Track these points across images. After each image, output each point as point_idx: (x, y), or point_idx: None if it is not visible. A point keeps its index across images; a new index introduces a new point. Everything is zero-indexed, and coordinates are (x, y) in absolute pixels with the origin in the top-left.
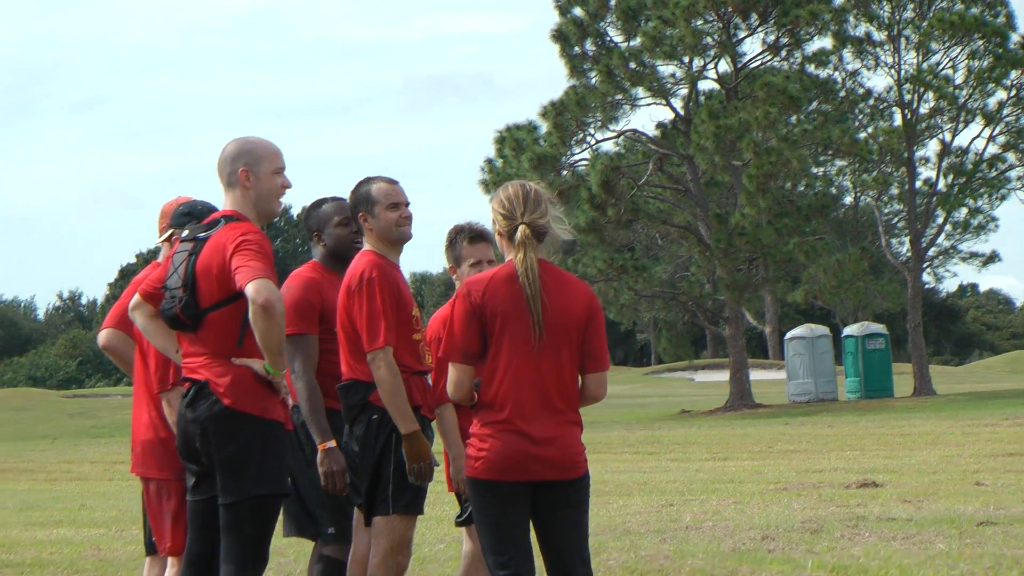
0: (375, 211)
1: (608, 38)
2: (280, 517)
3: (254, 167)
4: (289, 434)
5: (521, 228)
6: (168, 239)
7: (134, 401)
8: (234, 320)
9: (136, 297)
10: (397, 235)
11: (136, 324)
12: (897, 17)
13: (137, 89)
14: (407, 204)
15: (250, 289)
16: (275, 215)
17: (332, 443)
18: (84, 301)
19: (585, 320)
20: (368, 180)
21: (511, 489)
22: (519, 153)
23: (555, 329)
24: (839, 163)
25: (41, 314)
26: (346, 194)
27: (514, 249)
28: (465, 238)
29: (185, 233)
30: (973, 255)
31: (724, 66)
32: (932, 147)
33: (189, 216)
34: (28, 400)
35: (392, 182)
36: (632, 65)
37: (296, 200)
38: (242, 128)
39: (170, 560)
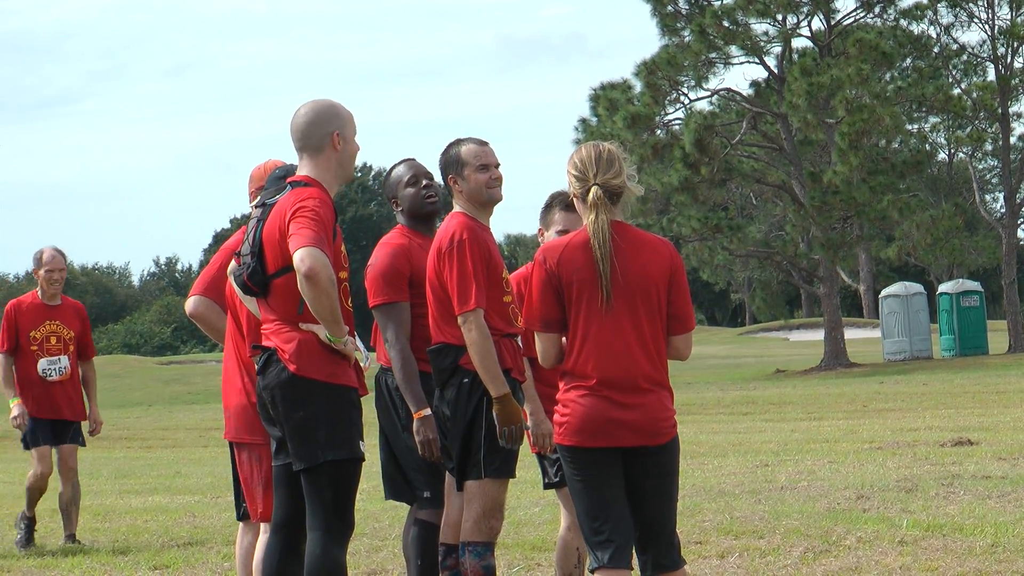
0: (464, 173)
1: None
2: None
3: (343, 130)
4: (356, 399)
5: (593, 189)
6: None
7: (225, 366)
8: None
9: (232, 263)
10: (487, 197)
11: (206, 322)
12: None
13: (228, 54)
14: (497, 165)
15: (296, 258)
16: (352, 178)
17: (427, 410)
18: (180, 267)
19: (667, 281)
20: (458, 142)
21: (598, 455)
22: (613, 112)
23: (634, 292)
24: (933, 119)
25: (136, 280)
26: (437, 158)
27: (587, 211)
28: (559, 204)
29: (258, 200)
30: None
31: (817, 23)
32: None
33: (284, 180)
34: (123, 367)
35: (482, 143)
36: (725, 23)
37: (390, 164)
38: (333, 92)
39: (263, 526)
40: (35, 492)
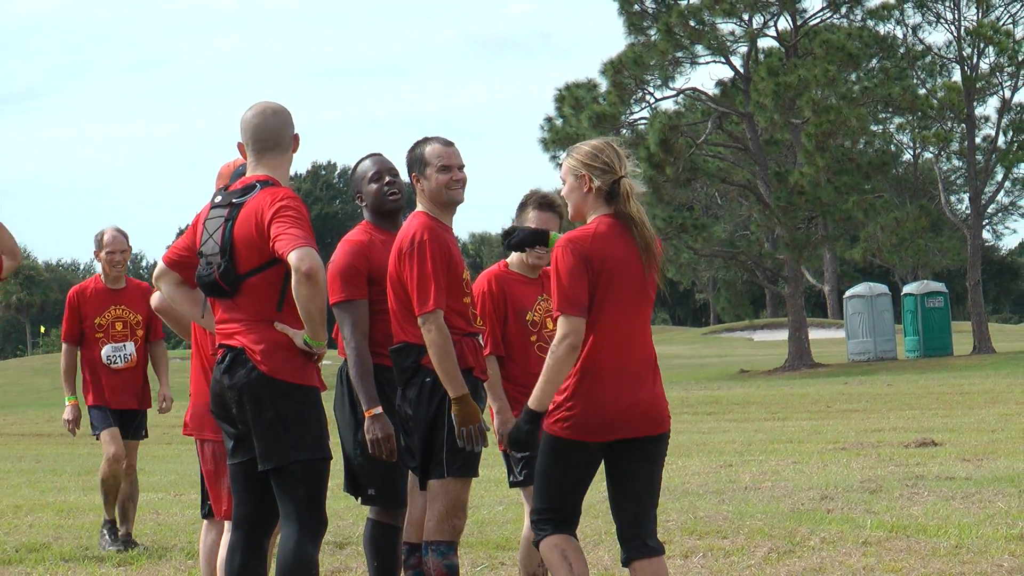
0: (427, 172)
1: None
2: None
3: (293, 132)
4: (321, 399)
5: (624, 181)
6: None
7: (192, 363)
8: (272, 285)
9: (161, 265)
10: (447, 198)
11: (161, 292)
12: None
13: (193, 50)
14: (461, 167)
15: (293, 257)
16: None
17: (378, 409)
18: (144, 264)
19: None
20: (424, 141)
21: (594, 449)
22: (578, 112)
23: (647, 282)
24: (898, 120)
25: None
26: (403, 155)
27: (621, 202)
28: (533, 204)
29: (218, 198)
30: None
31: (784, 23)
32: (992, 103)
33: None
34: None
35: (448, 144)
36: (692, 22)
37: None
38: (298, 88)
39: (228, 523)
40: (110, 484)
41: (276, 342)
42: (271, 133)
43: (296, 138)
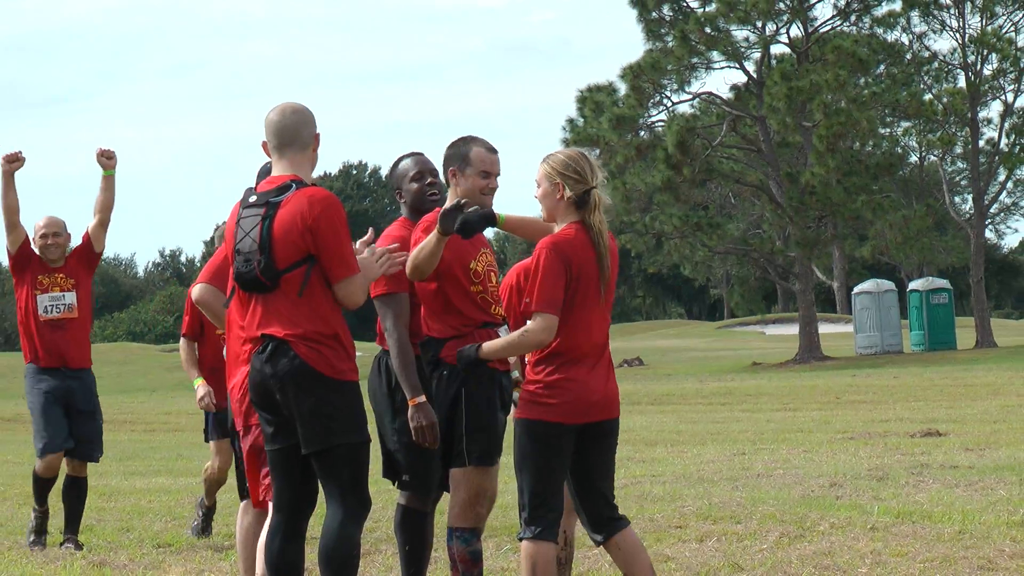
0: (467, 172)
1: (684, 3)
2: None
3: (314, 131)
4: (357, 384)
5: (594, 192)
6: None
7: (228, 353)
8: (315, 279)
9: (205, 287)
10: (477, 202)
11: (210, 309)
12: None
13: (227, 54)
14: (497, 175)
15: (360, 292)
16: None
17: (422, 398)
18: (183, 259)
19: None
20: (471, 140)
21: (570, 433)
22: (598, 114)
23: (610, 282)
24: (905, 124)
25: (141, 271)
26: (431, 153)
27: (588, 212)
28: (484, 145)
29: (253, 198)
30: None
31: (796, 30)
32: (995, 108)
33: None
34: (128, 354)
35: (492, 151)
36: (707, 29)
37: (384, 161)
38: (327, 92)
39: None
40: (212, 484)
41: (319, 333)
42: (290, 131)
43: (316, 137)
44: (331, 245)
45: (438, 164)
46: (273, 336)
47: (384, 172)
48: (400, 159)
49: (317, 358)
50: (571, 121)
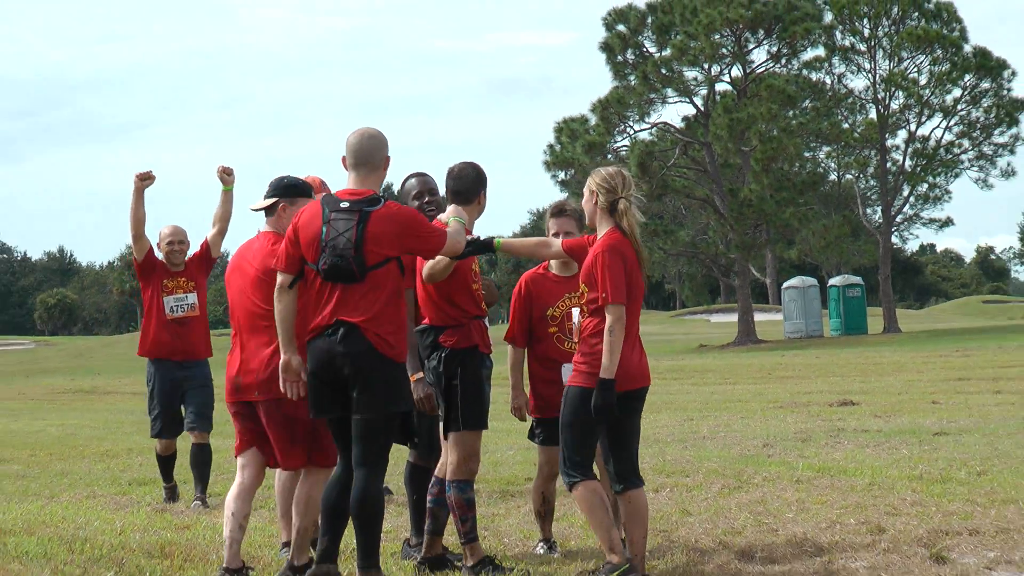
0: (484, 195)
1: (645, 49)
2: None
3: (385, 154)
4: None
5: (622, 202)
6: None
7: (251, 333)
8: (386, 277)
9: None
10: (478, 215)
11: (285, 296)
12: (875, 31)
13: (268, 91)
14: (431, 195)
15: (446, 250)
16: None
17: (420, 374)
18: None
19: None
20: (485, 177)
21: (616, 397)
22: (574, 140)
23: (642, 280)
24: (826, 148)
25: None
26: (433, 173)
27: (619, 218)
28: (551, 213)
29: (344, 204)
30: (932, 220)
31: (736, 71)
32: (901, 136)
33: (294, 187)
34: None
35: (425, 181)
36: (663, 70)
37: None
38: (349, 121)
39: (280, 472)
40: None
41: (390, 321)
42: (366, 153)
43: (387, 159)
44: (423, 237)
45: (440, 182)
46: (346, 321)
47: (396, 188)
48: (408, 178)
49: (381, 342)
50: (551, 146)
